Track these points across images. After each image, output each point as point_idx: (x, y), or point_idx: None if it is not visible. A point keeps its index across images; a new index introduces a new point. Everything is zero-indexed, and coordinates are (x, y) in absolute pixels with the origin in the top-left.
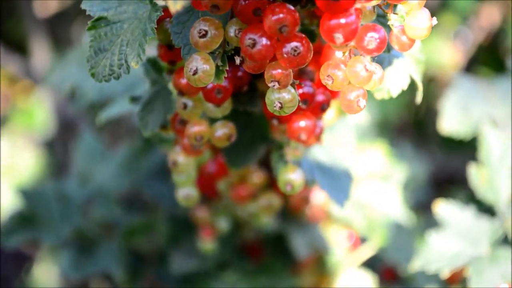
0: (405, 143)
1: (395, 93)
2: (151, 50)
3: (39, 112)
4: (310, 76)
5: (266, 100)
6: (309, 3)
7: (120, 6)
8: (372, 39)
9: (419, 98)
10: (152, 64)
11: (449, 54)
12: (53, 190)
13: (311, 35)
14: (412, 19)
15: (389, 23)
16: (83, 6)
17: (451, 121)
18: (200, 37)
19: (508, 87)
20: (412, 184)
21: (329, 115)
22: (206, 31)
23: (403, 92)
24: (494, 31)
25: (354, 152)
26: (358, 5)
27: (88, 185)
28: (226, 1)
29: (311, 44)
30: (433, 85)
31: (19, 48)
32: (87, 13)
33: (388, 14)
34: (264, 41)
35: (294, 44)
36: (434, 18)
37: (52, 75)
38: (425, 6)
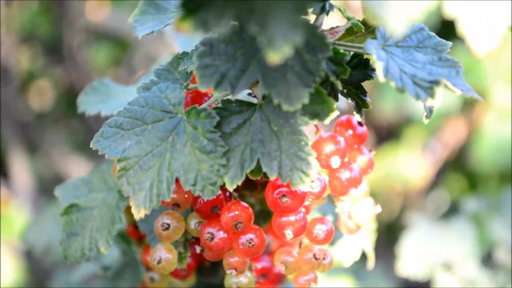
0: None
1: (348, 264)
2: None
3: (18, 219)
4: (268, 248)
5: (225, 284)
6: (263, 189)
7: (90, 194)
8: (320, 231)
9: (371, 265)
10: (121, 237)
11: (417, 167)
12: None
13: (268, 215)
14: (357, 208)
15: (336, 210)
16: (56, 193)
17: (409, 264)
18: (163, 230)
19: (464, 228)
20: None
21: None
22: (169, 225)
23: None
24: (460, 146)
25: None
26: (306, 203)
27: None
28: (186, 200)
29: (265, 235)
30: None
31: None
32: (58, 198)
33: (335, 202)
34: (221, 234)
35: (249, 236)
36: (378, 205)
37: (29, 231)
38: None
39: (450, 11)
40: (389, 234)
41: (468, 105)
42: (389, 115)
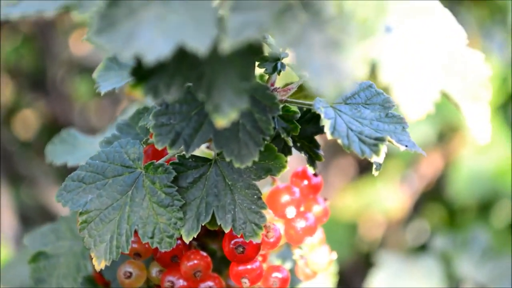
0: None
1: None
2: None
3: (2, 252)
4: None
5: None
6: None
7: (57, 242)
8: (276, 279)
9: None
10: (89, 281)
11: (395, 198)
12: None
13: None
14: (314, 255)
15: (293, 257)
16: (25, 241)
17: None
18: (126, 278)
19: (431, 264)
20: None
21: None
22: (131, 273)
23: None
24: (437, 177)
25: None
26: (263, 252)
27: None
28: (147, 250)
29: (223, 282)
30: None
31: None
32: (28, 247)
33: (292, 250)
34: (181, 282)
35: (208, 284)
36: (334, 252)
37: (6, 272)
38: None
39: (384, 79)
40: (369, 265)
41: (444, 137)
42: None
